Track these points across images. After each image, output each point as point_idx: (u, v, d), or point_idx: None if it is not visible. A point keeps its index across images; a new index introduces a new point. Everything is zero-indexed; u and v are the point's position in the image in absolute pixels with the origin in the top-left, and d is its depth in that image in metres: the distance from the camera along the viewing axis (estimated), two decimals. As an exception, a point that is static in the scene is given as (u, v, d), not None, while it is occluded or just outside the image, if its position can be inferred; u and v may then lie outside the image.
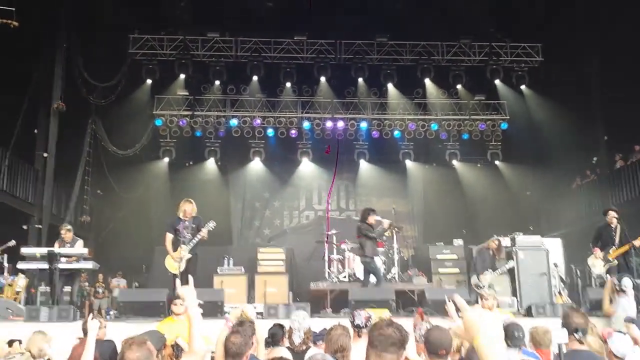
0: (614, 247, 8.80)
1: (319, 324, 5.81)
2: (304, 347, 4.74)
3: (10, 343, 5.43)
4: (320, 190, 19.49)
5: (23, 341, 5.34)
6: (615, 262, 8.72)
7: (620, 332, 4.56)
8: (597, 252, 8.88)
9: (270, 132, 17.74)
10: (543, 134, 16.92)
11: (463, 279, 11.49)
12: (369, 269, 9.74)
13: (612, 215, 9.10)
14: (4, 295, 10.34)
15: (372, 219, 9.80)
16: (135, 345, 3.42)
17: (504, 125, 17.84)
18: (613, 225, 9.04)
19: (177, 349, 4.96)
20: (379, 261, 10.15)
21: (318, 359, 3.51)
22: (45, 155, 14.85)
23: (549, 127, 16.45)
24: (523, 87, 17.26)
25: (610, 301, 7.17)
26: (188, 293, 3.50)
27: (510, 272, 9.87)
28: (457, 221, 17.03)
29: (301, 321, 4.95)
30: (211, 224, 8.57)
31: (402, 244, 12.17)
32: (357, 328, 4.78)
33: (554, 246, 11.55)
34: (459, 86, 17.73)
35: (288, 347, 4.91)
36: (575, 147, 16.45)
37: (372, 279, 9.83)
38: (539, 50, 17.05)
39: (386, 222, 10.08)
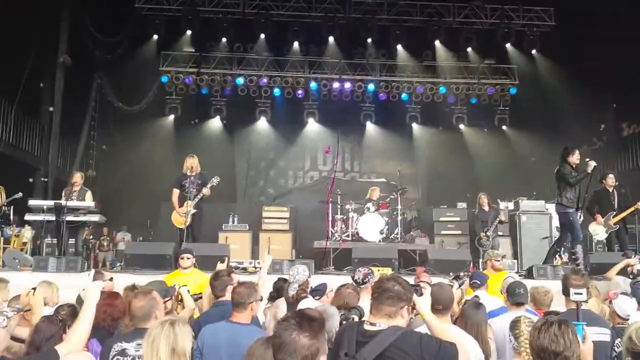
0: (614, 212, 8.77)
1: (321, 280, 5.90)
2: (296, 298, 4.82)
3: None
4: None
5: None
6: (617, 227, 8.71)
7: (625, 293, 4.61)
8: (599, 218, 8.85)
9: (276, 91, 17.62)
10: (551, 100, 16.72)
11: (464, 240, 11.59)
12: (565, 222, 8.27)
13: (611, 179, 8.96)
14: (11, 246, 10.51)
15: (574, 158, 8.10)
16: (142, 294, 3.52)
17: (513, 90, 17.65)
18: (611, 190, 8.93)
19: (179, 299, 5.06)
20: (575, 215, 8.14)
21: (319, 310, 3.62)
22: (51, 109, 14.82)
23: (558, 93, 16.23)
24: (534, 51, 16.97)
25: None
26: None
27: (512, 233, 9.92)
28: (461, 185, 17.01)
29: (296, 274, 5.01)
30: (215, 180, 8.67)
31: (405, 206, 12.22)
32: (356, 283, 4.87)
33: (557, 212, 11.59)
34: (469, 49, 17.41)
35: (285, 298, 5.01)
36: (584, 114, 16.29)
37: None
38: (551, 15, 16.72)
39: (592, 164, 8.03)
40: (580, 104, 15.87)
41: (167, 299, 4.53)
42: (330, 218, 11.15)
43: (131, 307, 3.51)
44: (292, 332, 2.10)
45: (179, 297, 4.98)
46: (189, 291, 5.11)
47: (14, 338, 3.85)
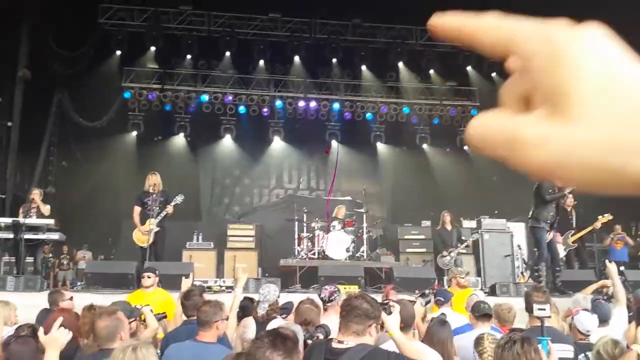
0: (572, 231, 9.00)
1: (288, 298, 5.88)
2: (267, 318, 4.80)
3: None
4: (291, 169, 19.51)
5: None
6: (575, 245, 8.94)
7: (586, 310, 4.73)
8: (558, 237, 9.07)
9: (242, 109, 17.59)
10: (512, 122, 17.14)
11: (429, 258, 11.71)
12: (533, 238, 8.61)
13: (569, 199, 9.21)
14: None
15: None
16: (106, 314, 3.44)
17: (474, 112, 18.06)
18: (569, 209, 9.18)
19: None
20: (544, 233, 8.30)
21: (284, 328, 3.61)
22: (9, 124, 14.46)
23: (518, 114, 16.66)
24: (494, 74, 17.47)
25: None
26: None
27: (475, 251, 10.09)
28: (425, 204, 17.24)
29: (267, 294, 5.00)
30: (179, 198, 8.57)
31: (370, 224, 12.30)
32: (322, 302, 4.87)
33: (518, 229, 11.85)
34: (431, 71, 17.87)
35: (254, 317, 4.97)
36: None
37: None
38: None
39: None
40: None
41: (131, 320, 4.43)
42: (297, 236, 11.16)
43: (95, 327, 3.43)
44: (265, 350, 2.09)
45: (142, 317, 4.88)
46: (152, 311, 5.01)
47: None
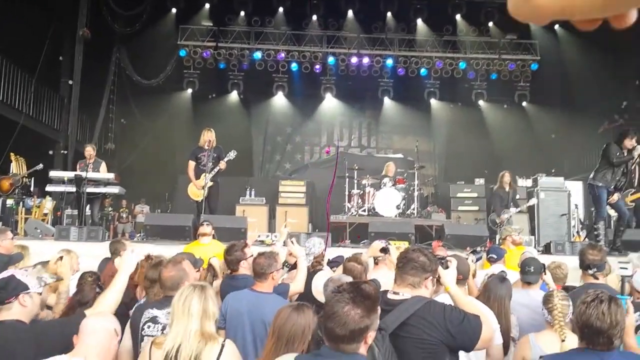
0: (632, 190, 8.61)
1: (337, 252, 5.94)
2: (312, 270, 4.87)
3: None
4: (342, 126, 19.48)
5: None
6: (633, 205, 8.58)
7: None
8: (615, 196, 8.69)
9: (294, 66, 17.51)
10: (573, 76, 16.44)
11: (482, 216, 11.55)
12: (592, 196, 8.25)
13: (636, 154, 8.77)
14: (32, 217, 10.71)
15: (629, 143, 7.91)
16: (171, 264, 3.53)
17: (534, 66, 17.37)
18: (632, 167, 8.76)
19: (211, 270, 5.08)
20: (603, 191, 7.98)
21: (335, 278, 3.68)
22: (70, 82, 14.91)
23: (580, 69, 15.93)
24: (556, 26, 16.64)
25: None
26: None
27: (530, 210, 9.85)
28: (479, 161, 16.91)
29: (312, 247, 5.06)
30: (232, 154, 8.66)
31: (422, 182, 12.19)
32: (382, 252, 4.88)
33: (575, 189, 11.45)
34: (490, 24, 17.13)
35: None
36: (606, 90, 16.01)
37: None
38: (576, -12, 16.32)
39: None
40: (602, 80, 15.59)
41: (195, 269, 4.57)
42: (347, 193, 11.21)
43: (160, 277, 3.53)
44: (344, 305, 2.11)
45: (212, 269, 5.00)
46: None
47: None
